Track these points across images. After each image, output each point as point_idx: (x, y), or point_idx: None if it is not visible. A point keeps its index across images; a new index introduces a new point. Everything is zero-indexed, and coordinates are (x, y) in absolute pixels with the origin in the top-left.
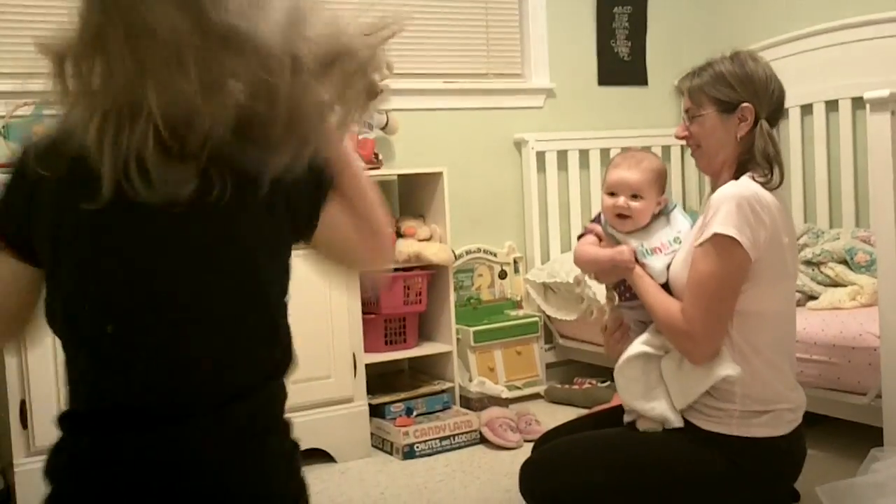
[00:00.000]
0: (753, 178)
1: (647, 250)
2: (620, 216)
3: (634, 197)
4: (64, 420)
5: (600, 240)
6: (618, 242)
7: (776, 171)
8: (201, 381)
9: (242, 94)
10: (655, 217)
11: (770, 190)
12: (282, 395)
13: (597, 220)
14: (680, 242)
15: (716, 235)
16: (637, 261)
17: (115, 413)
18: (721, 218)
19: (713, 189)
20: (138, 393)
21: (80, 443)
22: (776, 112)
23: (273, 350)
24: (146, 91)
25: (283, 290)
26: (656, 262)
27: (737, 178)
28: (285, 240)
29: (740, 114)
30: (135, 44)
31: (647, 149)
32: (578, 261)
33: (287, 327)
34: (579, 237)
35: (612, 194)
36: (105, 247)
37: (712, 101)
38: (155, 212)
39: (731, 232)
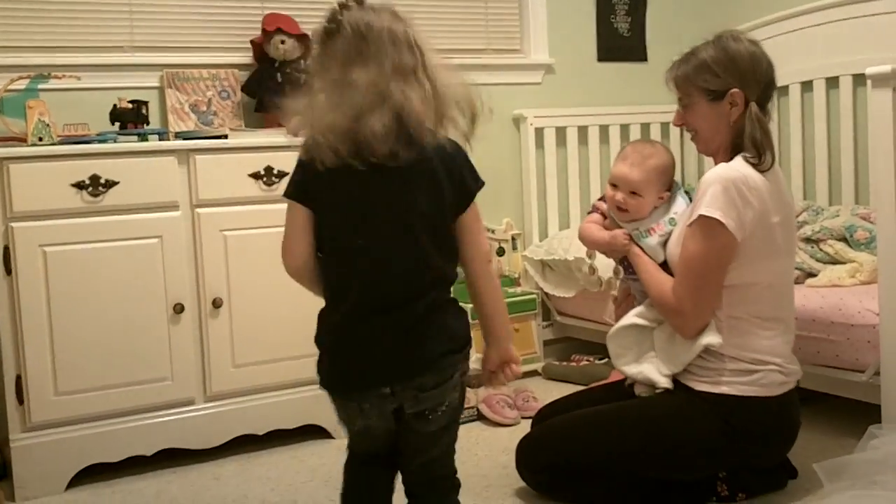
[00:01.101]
0: (746, 159)
1: (642, 232)
2: (619, 209)
3: (633, 194)
4: (327, 307)
5: (605, 217)
6: (618, 223)
7: (767, 154)
8: (409, 278)
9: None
10: (657, 207)
11: (762, 172)
12: (449, 289)
13: (604, 198)
14: (675, 224)
15: (702, 217)
16: (634, 241)
17: (361, 301)
18: (707, 200)
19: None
20: (372, 282)
21: (339, 311)
22: (767, 90)
23: (448, 265)
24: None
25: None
26: (651, 241)
27: (732, 157)
28: (453, 204)
29: (730, 99)
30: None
31: (645, 127)
32: (581, 239)
33: (456, 252)
34: (589, 213)
35: (614, 186)
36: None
37: (700, 91)
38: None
39: (716, 214)
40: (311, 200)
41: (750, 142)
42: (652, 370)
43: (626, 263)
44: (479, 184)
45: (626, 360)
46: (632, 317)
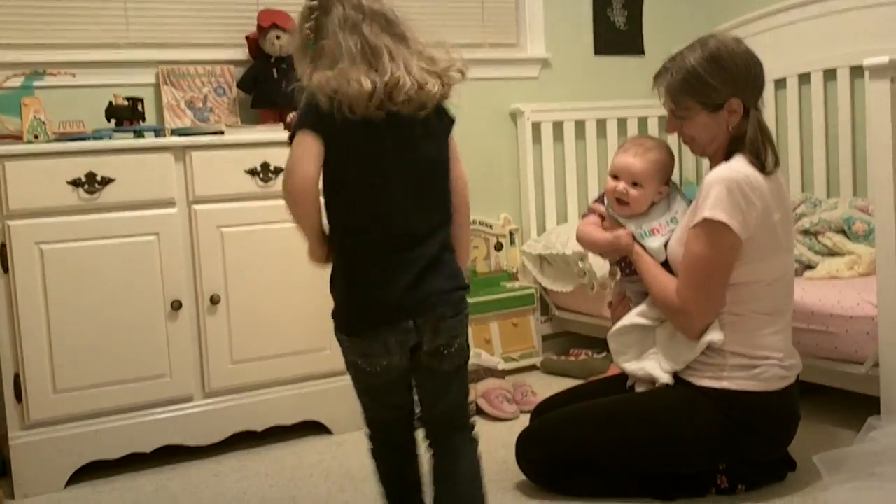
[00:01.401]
0: (746, 159)
1: (645, 232)
2: (619, 200)
3: (635, 185)
4: (344, 251)
5: (602, 219)
6: (619, 222)
7: (769, 159)
8: (421, 219)
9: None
10: (655, 202)
11: (766, 175)
12: (450, 233)
13: (600, 199)
14: (676, 222)
15: (707, 220)
16: (636, 241)
17: (381, 241)
18: (711, 202)
19: (710, 169)
20: (392, 224)
21: (359, 253)
22: (761, 91)
23: (449, 206)
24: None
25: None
26: (654, 243)
27: (728, 157)
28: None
29: (728, 108)
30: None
31: (643, 120)
32: (581, 241)
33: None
34: (583, 216)
35: (615, 177)
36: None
37: (698, 104)
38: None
39: (721, 217)
40: (325, 138)
41: (752, 148)
42: (653, 366)
43: (622, 264)
44: (452, 120)
45: (628, 357)
46: (633, 316)
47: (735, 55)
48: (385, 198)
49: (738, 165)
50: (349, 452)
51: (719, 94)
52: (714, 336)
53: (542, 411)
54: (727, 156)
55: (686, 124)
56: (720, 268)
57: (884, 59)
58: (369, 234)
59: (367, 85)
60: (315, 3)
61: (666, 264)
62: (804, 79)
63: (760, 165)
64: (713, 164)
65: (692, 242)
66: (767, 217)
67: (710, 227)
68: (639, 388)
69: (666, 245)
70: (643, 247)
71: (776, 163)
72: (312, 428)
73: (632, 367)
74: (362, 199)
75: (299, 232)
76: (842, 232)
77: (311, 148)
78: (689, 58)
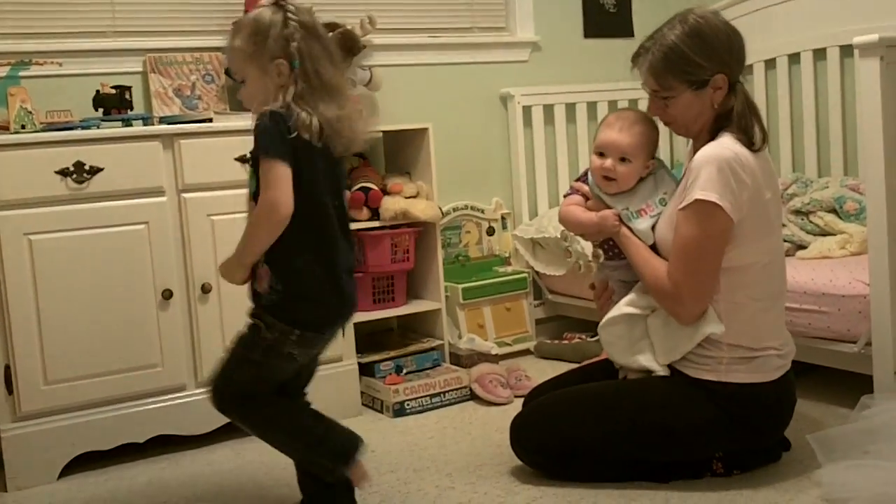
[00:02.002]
0: (734, 136)
1: (632, 213)
2: (606, 178)
3: (623, 160)
4: (300, 252)
5: (587, 199)
6: (604, 202)
7: (758, 133)
8: (349, 233)
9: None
10: (642, 179)
11: (755, 152)
12: None
13: (583, 177)
14: (665, 204)
15: (697, 201)
16: (623, 223)
17: (333, 243)
18: (702, 182)
19: (693, 148)
20: (342, 232)
21: (318, 259)
22: (744, 62)
23: None
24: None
25: None
26: (641, 224)
27: (713, 136)
28: None
29: (714, 85)
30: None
31: (634, 103)
32: (564, 222)
33: None
34: (566, 196)
35: (600, 154)
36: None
37: (683, 82)
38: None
39: (713, 197)
40: (296, 163)
41: (740, 123)
42: (647, 359)
43: (606, 247)
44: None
45: (619, 348)
46: (623, 306)
47: (717, 28)
48: (342, 215)
49: (727, 143)
50: None
51: (704, 71)
52: (714, 328)
53: (536, 395)
54: (712, 134)
55: (670, 104)
56: (712, 250)
57: (873, 37)
58: (326, 243)
59: (328, 121)
60: (296, 23)
61: (654, 248)
62: (794, 59)
63: (749, 142)
64: (697, 144)
65: (682, 224)
66: (759, 196)
67: (702, 208)
68: (632, 377)
69: (654, 228)
70: (630, 229)
71: (764, 138)
72: None
73: (625, 359)
74: (330, 217)
75: (248, 254)
76: (833, 211)
77: (287, 176)
78: (669, 35)
